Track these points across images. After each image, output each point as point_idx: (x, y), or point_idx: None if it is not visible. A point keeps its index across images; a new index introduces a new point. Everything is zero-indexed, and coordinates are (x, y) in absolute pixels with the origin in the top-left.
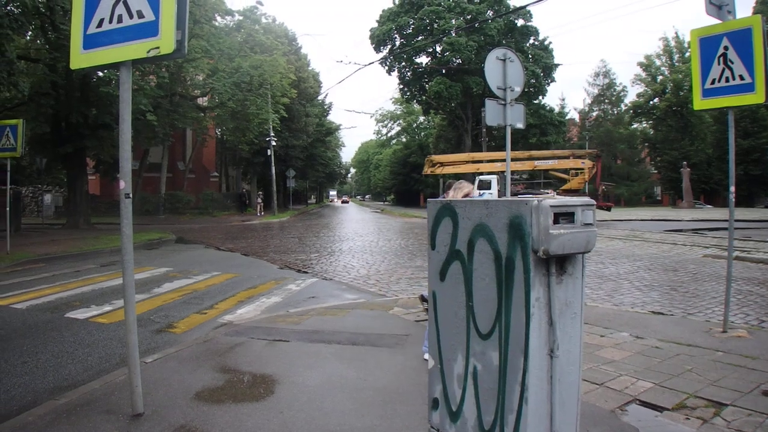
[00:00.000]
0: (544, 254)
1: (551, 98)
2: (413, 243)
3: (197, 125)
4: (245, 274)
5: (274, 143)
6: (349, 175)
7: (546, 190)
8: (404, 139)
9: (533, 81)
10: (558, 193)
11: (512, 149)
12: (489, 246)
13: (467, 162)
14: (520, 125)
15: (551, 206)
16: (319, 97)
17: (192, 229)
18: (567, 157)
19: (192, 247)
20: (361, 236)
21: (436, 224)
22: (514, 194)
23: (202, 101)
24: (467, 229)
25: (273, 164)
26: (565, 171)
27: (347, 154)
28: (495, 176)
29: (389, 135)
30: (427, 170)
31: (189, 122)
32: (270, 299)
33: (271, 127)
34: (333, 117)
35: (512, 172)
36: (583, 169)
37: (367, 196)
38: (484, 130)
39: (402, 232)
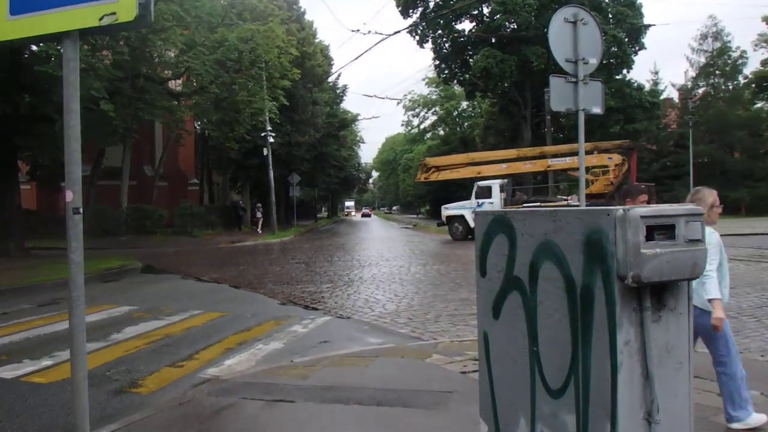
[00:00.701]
0: (634, 281)
1: (640, 72)
2: (456, 269)
3: (170, 117)
4: (236, 313)
5: (272, 140)
6: (371, 181)
7: (564, 197)
8: (442, 132)
9: (614, 49)
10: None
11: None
12: (558, 271)
13: (465, 165)
14: (597, 110)
15: (642, 216)
16: (330, 79)
17: (164, 254)
18: (589, 152)
19: (164, 278)
20: (388, 260)
21: (487, 243)
22: (515, 203)
23: (176, 85)
24: (528, 249)
25: (271, 167)
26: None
27: (368, 153)
28: (497, 182)
29: (422, 127)
30: (420, 176)
31: (158, 113)
32: (269, 345)
33: (267, 118)
34: (348, 104)
35: (517, 176)
36: (608, 167)
37: (394, 208)
38: (548, 117)
39: (441, 255)
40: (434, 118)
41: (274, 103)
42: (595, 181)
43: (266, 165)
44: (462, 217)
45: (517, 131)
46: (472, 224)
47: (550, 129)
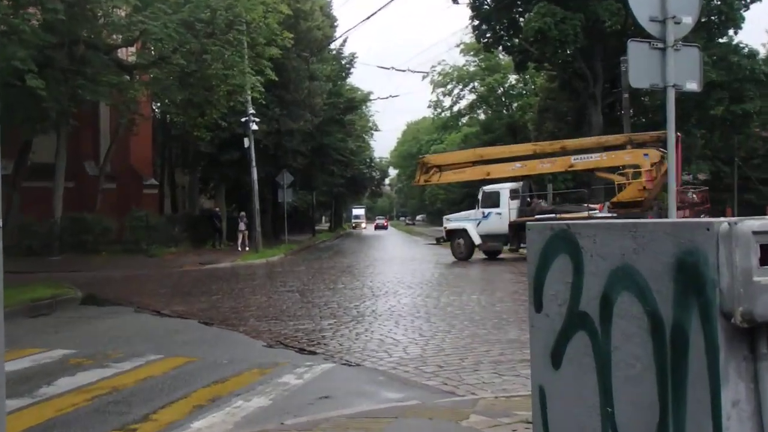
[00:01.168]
0: (744, 320)
1: (752, 33)
2: (503, 299)
3: (119, 97)
4: (207, 358)
5: (255, 127)
6: (387, 181)
7: (593, 206)
8: (482, 116)
9: (717, 2)
10: (608, 209)
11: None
12: (640, 305)
13: (473, 163)
14: (692, 86)
15: (755, 233)
16: (333, 46)
17: (112, 280)
18: (621, 146)
19: (111, 312)
20: (410, 288)
21: (543, 267)
22: (529, 214)
23: (127, 55)
24: (600, 276)
25: (254, 164)
26: (612, 171)
27: (383, 145)
28: (506, 186)
29: (456, 109)
30: (419, 178)
31: (104, 92)
32: (250, 402)
33: (249, 99)
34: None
35: (528, 178)
36: (641, 167)
37: (418, 218)
38: (626, 96)
39: (482, 281)
40: (472, 97)
41: (259, 78)
42: (627, 185)
43: (247, 161)
44: (464, 231)
45: (583, 115)
46: (476, 240)
47: (629, 112)
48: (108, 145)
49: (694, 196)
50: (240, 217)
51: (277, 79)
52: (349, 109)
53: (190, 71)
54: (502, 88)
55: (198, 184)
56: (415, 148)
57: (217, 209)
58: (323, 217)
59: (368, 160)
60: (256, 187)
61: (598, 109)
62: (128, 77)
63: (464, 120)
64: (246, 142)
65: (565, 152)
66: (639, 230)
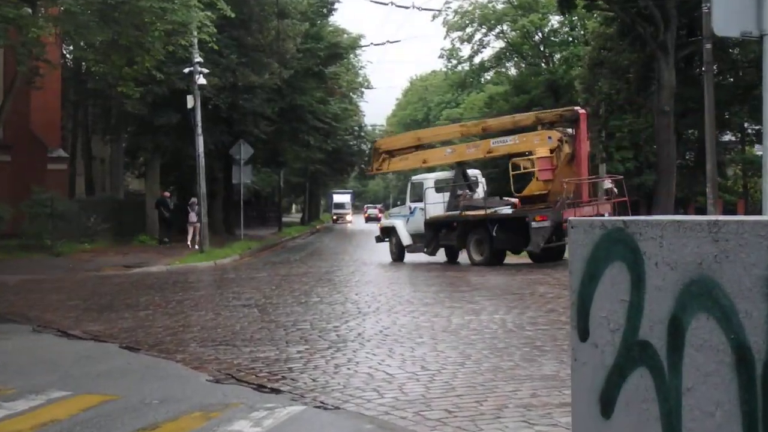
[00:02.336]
0: None
1: None
2: (535, 320)
3: (17, 37)
4: (131, 396)
5: (203, 81)
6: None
7: (511, 200)
8: (513, 71)
9: None
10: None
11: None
12: (722, 333)
13: (412, 147)
14: None
15: None
16: None
17: (2, 287)
18: (533, 127)
19: (1, 332)
20: (410, 303)
21: (591, 278)
22: (452, 209)
23: None
24: (668, 292)
25: (200, 130)
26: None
27: (378, 108)
28: (431, 176)
29: (478, 61)
30: (372, 167)
31: None
32: None
33: (196, 42)
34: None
35: (461, 165)
36: (536, 152)
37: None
38: (708, 46)
39: (508, 295)
40: (500, 44)
41: (209, 13)
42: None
43: (191, 127)
44: (394, 229)
45: (650, 71)
46: (405, 240)
47: (712, 68)
48: (0, 102)
49: (612, 185)
50: (190, 204)
51: (233, 15)
52: (331, 59)
53: (114, 3)
54: (540, 34)
55: (123, 157)
56: (421, 113)
57: (167, 194)
58: (294, 206)
59: (357, 128)
60: (202, 162)
61: (671, 63)
62: (30, 10)
63: (488, 75)
64: (190, 101)
65: (486, 134)
66: (722, 231)
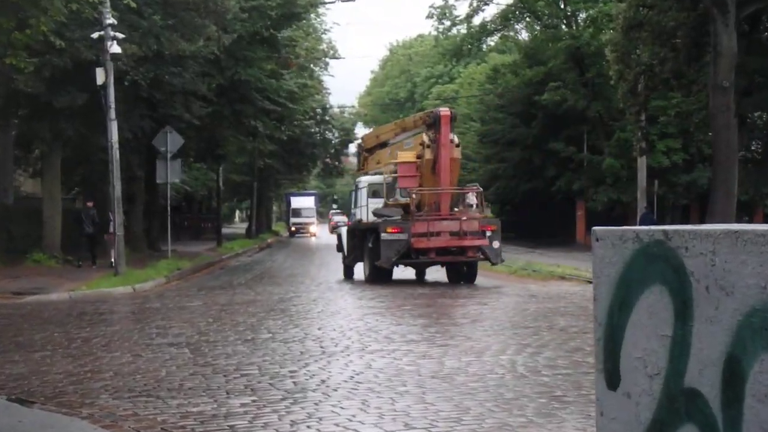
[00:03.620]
0: None
1: None
2: (553, 361)
3: None
4: None
5: (117, 49)
6: (353, 148)
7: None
8: (525, 35)
9: None
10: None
11: None
12: None
13: (377, 146)
14: None
15: None
16: None
17: None
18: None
19: None
20: (390, 340)
21: (623, 306)
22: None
23: None
24: (723, 325)
25: (113, 114)
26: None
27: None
28: (366, 179)
29: (478, 22)
30: (358, 167)
31: None
32: None
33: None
34: None
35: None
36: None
37: None
38: None
39: (518, 328)
40: (507, 1)
41: None
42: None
43: (102, 109)
44: (340, 238)
45: (704, 35)
46: (347, 253)
47: None
48: None
49: (473, 197)
50: (110, 213)
51: None
52: (286, 20)
53: None
54: None
55: (12, 149)
56: (404, 90)
57: (90, 204)
58: (238, 213)
59: (320, 110)
60: (116, 156)
61: (730, 24)
62: None
63: (492, 41)
64: (100, 75)
65: (403, 130)
66: None
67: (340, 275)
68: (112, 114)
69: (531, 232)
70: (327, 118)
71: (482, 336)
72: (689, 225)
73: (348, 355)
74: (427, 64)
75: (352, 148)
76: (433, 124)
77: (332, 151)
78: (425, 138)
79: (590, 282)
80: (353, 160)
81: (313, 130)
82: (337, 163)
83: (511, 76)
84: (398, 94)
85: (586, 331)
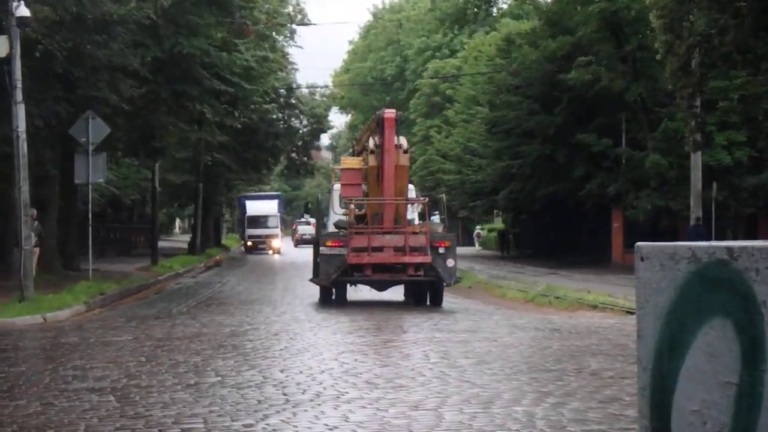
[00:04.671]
0: None
1: None
2: (583, 416)
3: None
4: None
5: (25, 12)
6: (327, 139)
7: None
8: None
9: None
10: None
11: None
12: None
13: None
14: None
15: None
16: None
17: None
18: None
19: None
20: (372, 385)
21: (675, 345)
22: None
23: None
24: None
25: (20, 95)
26: None
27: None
28: (336, 187)
29: None
30: None
31: None
32: None
33: None
34: None
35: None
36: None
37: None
38: None
39: (533, 371)
40: None
41: None
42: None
43: (5, 89)
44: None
45: None
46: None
47: None
48: None
49: (414, 211)
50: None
51: None
52: None
53: None
54: None
55: None
56: (391, 67)
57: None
58: (179, 222)
59: (284, 92)
60: (23, 149)
61: None
62: None
63: (505, 4)
64: (3, 45)
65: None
66: None
67: (311, 301)
68: (19, 95)
69: (553, 248)
70: (293, 101)
71: (491, 381)
72: (760, 241)
73: (319, 404)
74: (421, 33)
75: (325, 139)
76: (377, 127)
77: (300, 143)
78: (370, 143)
79: (631, 313)
80: (327, 155)
81: (275, 116)
82: (305, 158)
83: (528, 49)
84: (384, 71)
85: (625, 376)
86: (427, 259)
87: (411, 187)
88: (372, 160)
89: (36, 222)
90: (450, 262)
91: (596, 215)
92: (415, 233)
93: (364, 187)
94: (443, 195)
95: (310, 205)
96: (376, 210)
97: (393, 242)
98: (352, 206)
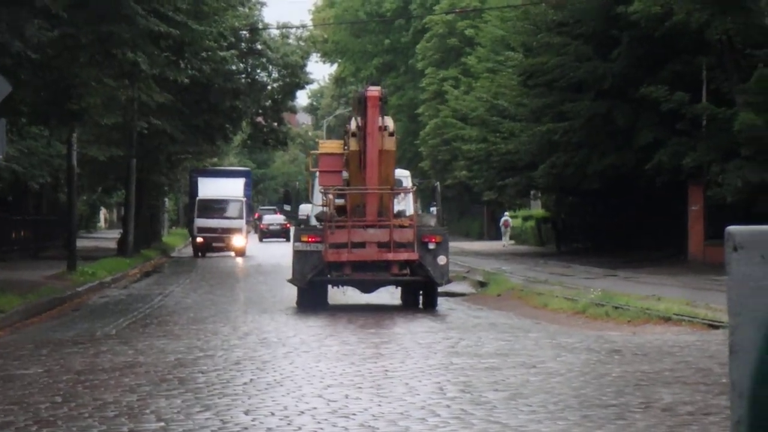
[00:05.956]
0: None
1: None
2: None
3: None
4: None
5: None
6: (305, 97)
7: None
8: None
9: None
10: None
11: None
12: None
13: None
14: None
15: None
16: None
17: None
18: None
19: None
20: (368, 429)
21: None
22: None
23: None
24: None
25: None
26: None
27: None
28: None
29: None
30: None
31: None
32: None
33: None
34: None
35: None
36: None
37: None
38: None
39: (585, 406)
40: None
41: None
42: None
43: None
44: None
45: None
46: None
47: None
48: None
49: (403, 202)
50: None
51: None
52: None
53: None
54: None
55: None
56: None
57: None
58: (104, 212)
59: (246, 34)
60: None
61: None
62: None
63: None
64: None
65: None
66: None
67: (285, 316)
68: None
69: (610, 240)
70: (259, 46)
71: (528, 421)
72: None
73: None
74: None
75: (303, 98)
76: (359, 106)
77: (268, 103)
78: (352, 125)
79: (716, 326)
80: (305, 119)
81: (234, 67)
82: (276, 124)
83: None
84: (382, 5)
85: (710, 412)
86: (413, 256)
87: (406, 173)
88: (354, 144)
89: None
90: (441, 260)
91: (668, 196)
92: (401, 227)
93: (345, 174)
94: (437, 182)
95: (289, 194)
96: (357, 201)
97: (376, 237)
98: (331, 196)
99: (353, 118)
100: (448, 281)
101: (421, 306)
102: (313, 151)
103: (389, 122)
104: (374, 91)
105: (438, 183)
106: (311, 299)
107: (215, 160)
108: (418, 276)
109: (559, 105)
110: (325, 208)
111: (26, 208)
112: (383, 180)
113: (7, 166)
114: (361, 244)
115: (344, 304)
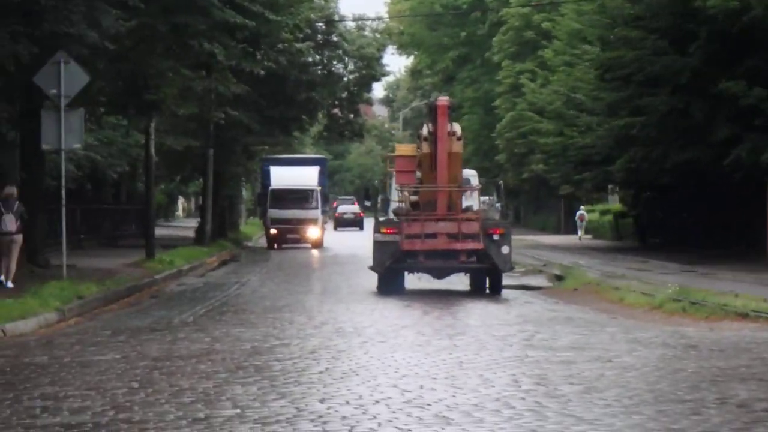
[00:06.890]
0: None
1: None
2: None
3: None
4: None
5: None
6: (381, 88)
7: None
8: None
9: None
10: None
11: None
12: None
13: None
14: None
15: None
16: None
17: None
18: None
19: None
20: (450, 421)
21: None
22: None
23: None
24: None
25: None
26: None
27: None
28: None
29: None
30: None
31: None
32: None
33: None
34: None
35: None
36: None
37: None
38: None
39: (664, 395)
40: None
41: None
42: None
43: None
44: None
45: None
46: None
47: None
48: None
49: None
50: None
51: None
52: None
53: None
54: None
55: None
56: None
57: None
58: (182, 202)
59: (322, 26)
60: None
61: None
62: None
63: None
64: None
65: None
66: None
67: (360, 306)
68: None
69: (688, 236)
70: (335, 38)
71: (603, 415)
72: None
73: None
74: None
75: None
76: (430, 114)
77: (344, 95)
78: (424, 130)
79: None
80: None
81: (310, 59)
82: (352, 116)
83: None
84: None
85: None
86: (479, 245)
87: (473, 172)
88: (425, 147)
89: (17, 202)
90: (505, 249)
91: (747, 191)
92: (468, 220)
93: (418, 173)
94: (501, 181)
95: (369, 192)
96: (429, 197)
97: (446, 229)
98: (406, 193)
99: (425, 124)
100: (512, 268)
101: (487, 291)
102: (389, 154)
103: (457, 128)
104: (443, 100)
105: (501, 181)
106: (390, 284)
107: (291, 152)
108: (484, 263)
109: (636, 99)
110: (401, 203)
111: (104, 197)
112: (452, 179)
113: (85, 155)
114: (433, 235)
115: (420, 289)
